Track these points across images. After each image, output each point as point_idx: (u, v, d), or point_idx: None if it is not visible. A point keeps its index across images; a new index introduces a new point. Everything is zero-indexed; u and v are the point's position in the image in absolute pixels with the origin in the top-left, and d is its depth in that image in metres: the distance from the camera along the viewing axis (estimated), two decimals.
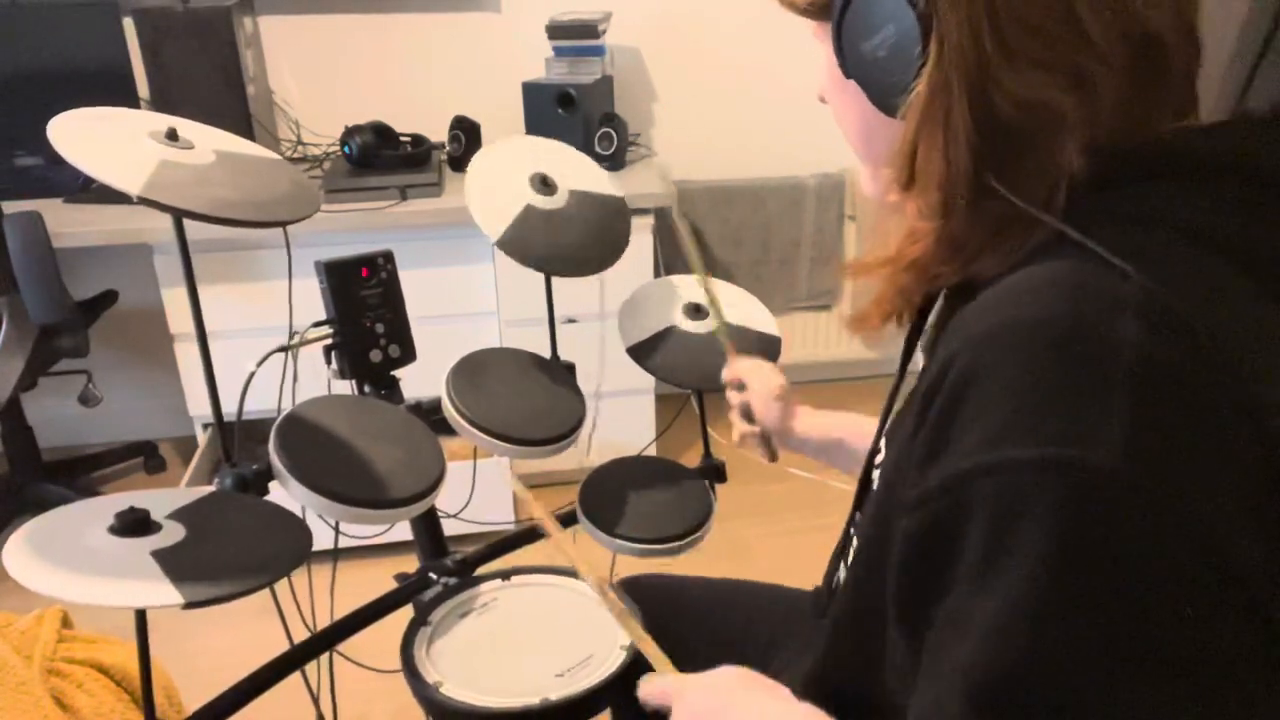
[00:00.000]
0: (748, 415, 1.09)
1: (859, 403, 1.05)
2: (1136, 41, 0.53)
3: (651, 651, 0.80)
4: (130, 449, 2.57)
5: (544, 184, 1.18)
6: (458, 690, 0.90)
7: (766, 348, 1.19)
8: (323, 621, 1.07)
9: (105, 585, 0.73)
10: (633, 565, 1.15)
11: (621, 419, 2.33)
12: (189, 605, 0.74)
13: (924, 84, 0.54)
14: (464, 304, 2.20)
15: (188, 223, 0.94)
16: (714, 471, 1.27)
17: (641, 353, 1.20)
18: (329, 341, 1.13)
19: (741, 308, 1.25)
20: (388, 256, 1.16)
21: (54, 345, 2.12)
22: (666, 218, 2.30)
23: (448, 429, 1.08)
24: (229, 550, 0.83)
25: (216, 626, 1.90)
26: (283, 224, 0.96)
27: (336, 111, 2.41)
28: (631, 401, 2.33)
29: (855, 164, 0.68)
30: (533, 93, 2.29)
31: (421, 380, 1.19)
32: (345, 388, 1.15)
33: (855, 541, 0.72)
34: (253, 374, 1.04)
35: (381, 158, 2.19)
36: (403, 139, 2.30)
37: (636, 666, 0.92)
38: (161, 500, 0.86)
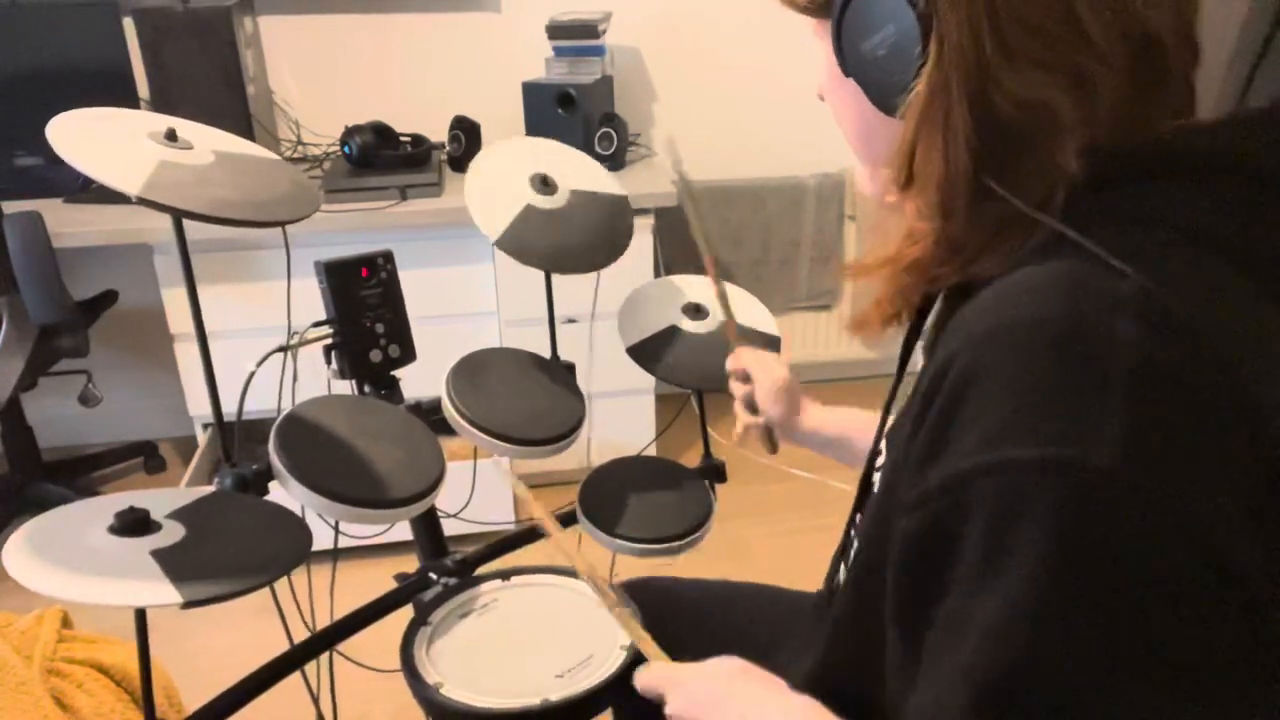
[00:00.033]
0: (751, 407, 1.08)
1: (859, 403, 1.04)
2: (1136, 42, 0.53)
3: (650, 650, 0.80)
4: (130, 449, 2.57)
5: (544, 184, 1.18)
6: (458, 691, 0.90)
7: (767, 347, 1.19)
8: (322, 621, 1.07)
9: (105, 585, 0.73)
10: (633, 565, 1.16)
11: (621, 419, 2.33)
12: (188, 604, 0.74)
13: (923, 84, 0.54)
14: (464, 304, 2.20)
15: (187, 223, 0.94)
16: (714, 471, 1.27)
17: (641, 353, 1.20)
18: (329, 341, 1.13)
19: (741, 308, 1.25)
20: (388, 256, 1.16)
21: (54, 345, 2.12)
22: (667, 217, 2.30)
23: (448, 429, 1.08)
24: (229, 550, 0.83)
25: (216, 626, 1.90)
26: (282, 224, 0.96)
27: (336, 111, 2.41)
28: (631, 401, 2.33)
29: (855, 164, 0.68)
30: (533, 93, 2.29)
31: (421, 380, 1.19)
32: (345, 388, 1.15)
33: (855, 543, 0.72)
34: (253, 374, 1.04)
35: (381, 158, 2.19)
36: (403, 139, 2.30)
37: (637, 667, 0.92)
38: (161, 500, 0.86)
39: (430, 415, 1.10)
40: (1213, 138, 0.56)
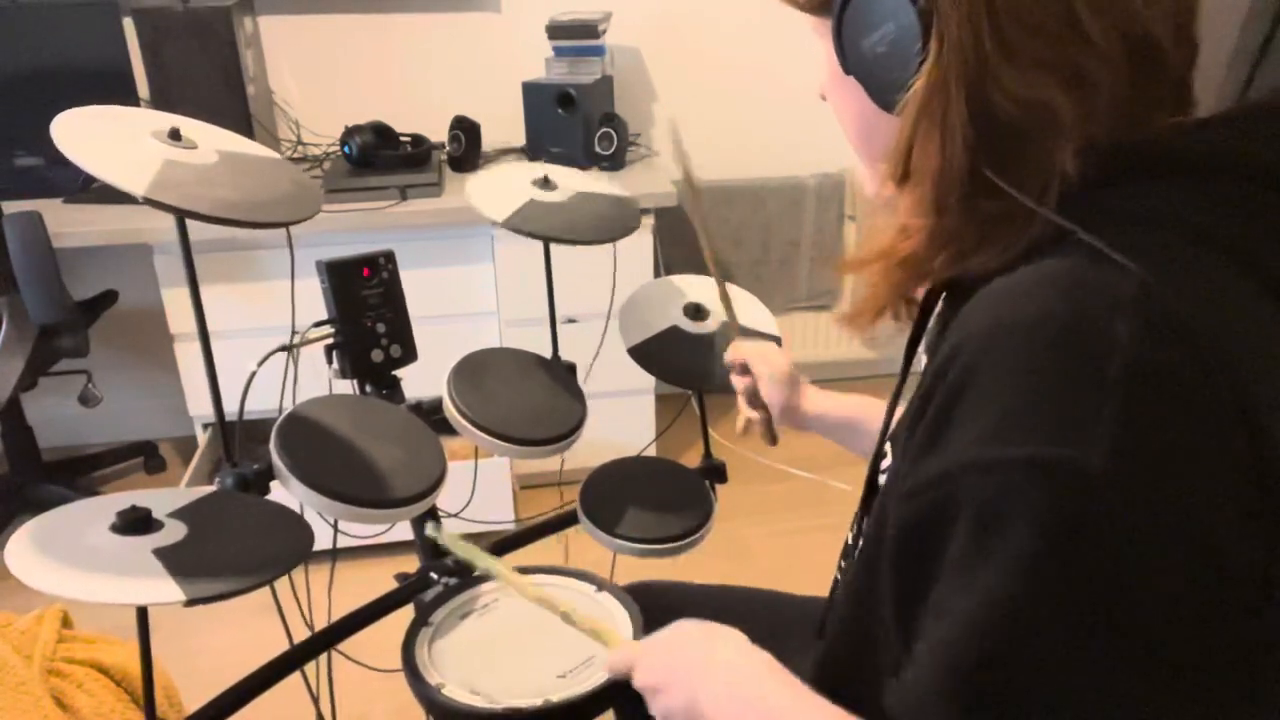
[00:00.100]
0: (753, 400, 1.08)
1: None
2: (1135, 42, 0.53)
3: (608, 638, 0.82)
4: (130, 449, 2.57)
5: (546, 183, 1.18)
6: (459, 691, 0.90)
7: None
8: (322, 621, 1.07)
9: (108, 583, 0.73)
10: (633, 565, 1.16)
11: (621, 419, 2.33)
12: (190, 602, 0.74)
13: (922, 80, 0.54)
14: (464, 304, 2.20)
15: (189, 222, 0.94)
16: (714, 471, 1.27)
17: (642, 353, 1.20)
18: (330, 341, 1.13)
19: (742, 308, 1.25)
20: (389, 256, 1.16)
21: (54, 345, 2.12)
22: (667, 217, 2.30)
23: (448, 429, 1.08)
24: (230, 549, 0.83)
25: (217, 626, 1.90)
26: (285, 224, 0.96)
27: (336, 111, 2.41)
28: (631, 401, 2.33)
29: (855, 164, 0.68)
30: (533, 93, 2.29)
31: (422, 380, 1.19)
32: (346, 387, 1.15)
33: (860, 543, 0.72)
34: (254, 374, 1.04)
35: (381, 158, 2.19)
36: (403, 139, 2.30)
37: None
38: (162, 499, 0.86)
39: (431, 415, 1.10)
40: (1212, 135, 0.56)
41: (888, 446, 0.70)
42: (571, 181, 1.22)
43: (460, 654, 0.96)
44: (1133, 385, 0.47)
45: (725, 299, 1.12)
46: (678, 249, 2.63)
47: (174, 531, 0.82)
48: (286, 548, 0.84)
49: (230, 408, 1.01)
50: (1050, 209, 0.54)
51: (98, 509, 0.83)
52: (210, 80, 2.12)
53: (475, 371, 1.14)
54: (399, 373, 1.17)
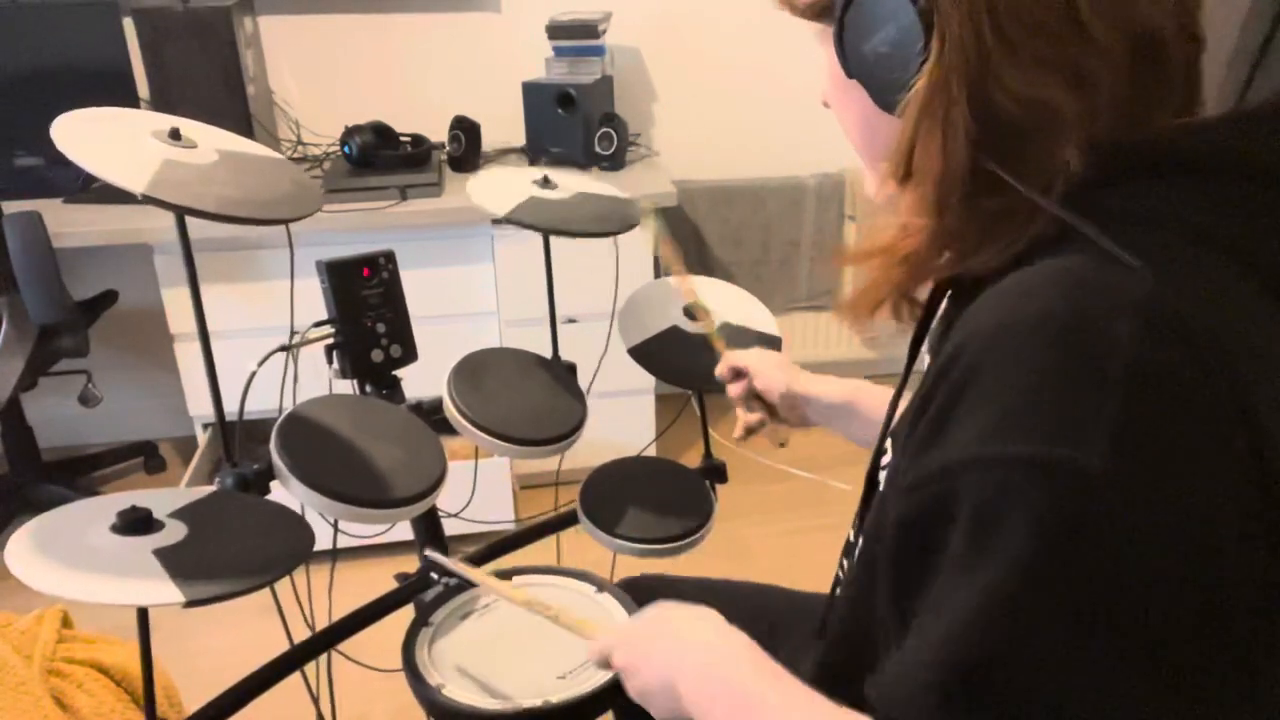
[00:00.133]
0: (751, 402, 1.08)
1: None
2: (1137, 38, 0.53)
3: (586, 631, 0.82)
4: (130, 449, 2.57)
5: (547, 182, 1.18)
6: (460, 692, 0.90)
7: (766, 347, 1.19)
8: (322, 621, 1.07)
9: (108, 583, 0.73)
10: (633, 565, 1.16)
11: (621, 419, 2.33)
12: (190, 603, 0.74)
13: (924, 80, 0.54)
14: (464, 304, 2.20)
15: (188, 222, 0.94)
16: (714, 471, 1.27)
17: (642, 353, 1.20)
18: (330, 341, 1.13)
19: (741, 308, 1.25)
20: (389, 256, 1.16)
21: (54, 345, 2.12)
22: (667, 218, 2.29)
23: (449, 429, 1.08)
24: (230, 549, 0.83)
25: (217, 626, 1.90)
26: (285, 221, 0.96)
27: (336, 111, 2.41)
28: (631, 401, 2.33)
29: (855, 164, 0.68)
30: (533, 93, 2.29)
31: (422, 380, 1.19)
32: (346, 387, 1.15)
33: (860, 541, 0.72)
34: (254, 374, 1.04)
35: (381, 158, 2.19)
36: (403, 139, 2.30)
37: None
38: (163, 499, 0.86)
39: (431, 415, 1.10)
40: (1215, 136, 0.56)
41: (888, 444, 0.70)
42: (571, 182, 1.22)
43: (460, 654, 0.96)
44: (1133, 385, 0.47)
45: (709, 325, 1.13)
46: (678, 250, 2.63)
47: (174, 532, 0.81)
48: (286, 548, 0.84)
49: (230, 408, 1.01)
50: (1055, 200, 0.54)
51: (98, 509, 0.82)
52: (210, 80, 2.12)
53: (475, 371, 1.14)
54: (399, 373, 1.17)
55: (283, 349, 1.09)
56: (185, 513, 0.85)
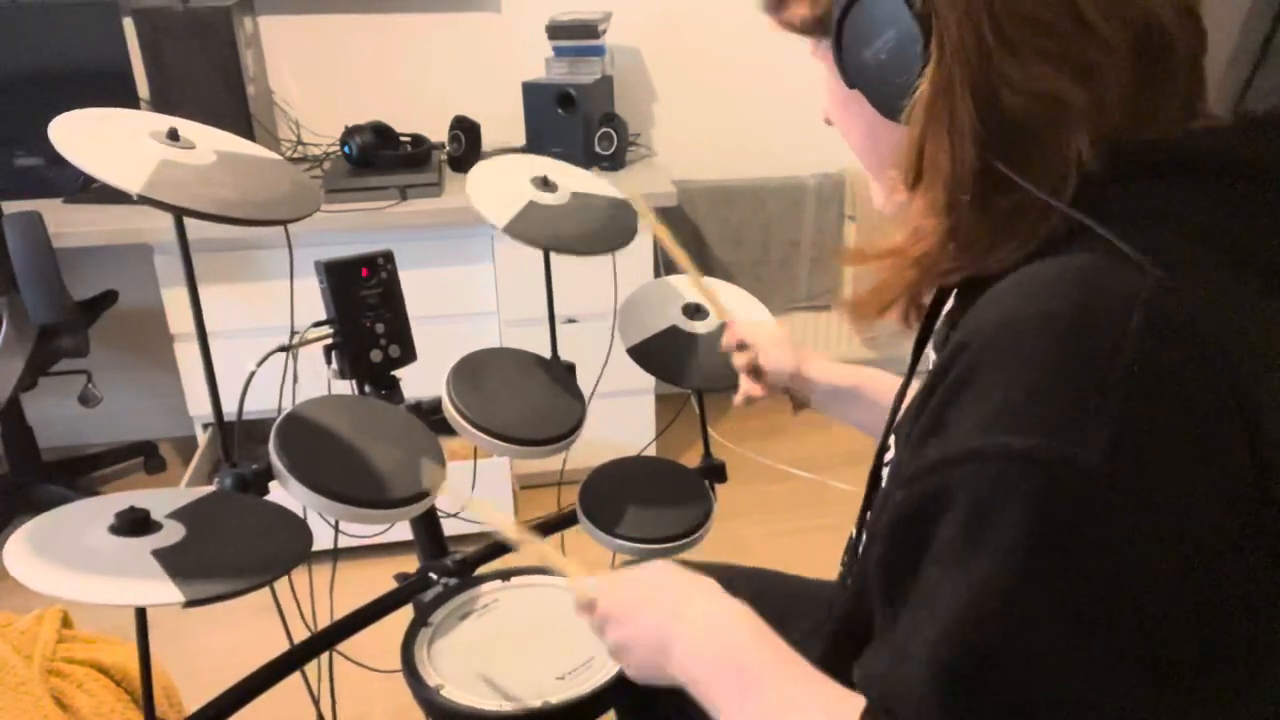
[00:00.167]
0: (755, 373, 1.07)
1: None
2: (1139, 28, 0.53)
3: (575, 570, 0.80)
4: (130, 449, 2.57)
5: (546, 184, 1.18)
6: (459, 692, 0.90)
7: None
8: (323, 621, 1.07)
9: (106, 584, 0.73)
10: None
11: (621, 419, 2.33)
12: (189, 604, 0.74)
13: (927, 83, 0.54)
14: (464, 304, 2.20)
15: (188, 222, 0.94)
16: (714, 471, 1.27)
17: (642, 353, 1.20)
18: (329, 341, 1.13)
19: (742, 308, 1.25)
20: (388, 256, 1.16)
21: (54, 345, 2.12)
22: (667, 218, 2.29)
23: (448, 429, 1.08)
24: (229, 549, 0.83)
25: (217, 626, 1.90)
26: (283, 222, 0.96)
27: (336, 111, 2.41)
28: (631, 401, 2.33)
29: (856, 164, 0.68)
30: (533, 93, 2.29)
31: (422, 380, 1.19)
32: (345, 388, 1.15)
33: (863, 539, 0.72)
34: (253, 374, 1.04)
35: (381, 158, 2.19)
36: (403, 139, 2.30)
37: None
38: (162, 500, 0.86)
39: (430, 415, 1.10)
40: (1223, 139, 0.56)
41: (891, 440, 0.70)
42: (570, 180, 1.22)
43: (460, 655, 0.96)
44: (1135, 383, 0.47)
45: (712, 300, 1.13)
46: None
47: (173, 532, 0.81)
48: (286, 548, 0.84)
49: (229, 408, 1.01)
50: (1067, 198, 0.54)
51: (97, 509, 0.82)
52: (210, 80, 2.12)
53: (475, 371, 1.14)
54: (398, 373, 1.17)
55: (282, 349, 1.09)
56: (184, 513, 0.85)
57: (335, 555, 1.28)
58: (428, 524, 1.17)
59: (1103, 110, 0.53)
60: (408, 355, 1.17)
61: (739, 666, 0.63)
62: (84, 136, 0.92)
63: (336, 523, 1.08)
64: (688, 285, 1.28)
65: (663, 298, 1.26)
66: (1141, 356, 0.48)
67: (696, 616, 0.68)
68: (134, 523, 0.80)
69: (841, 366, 1.04)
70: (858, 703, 0.55)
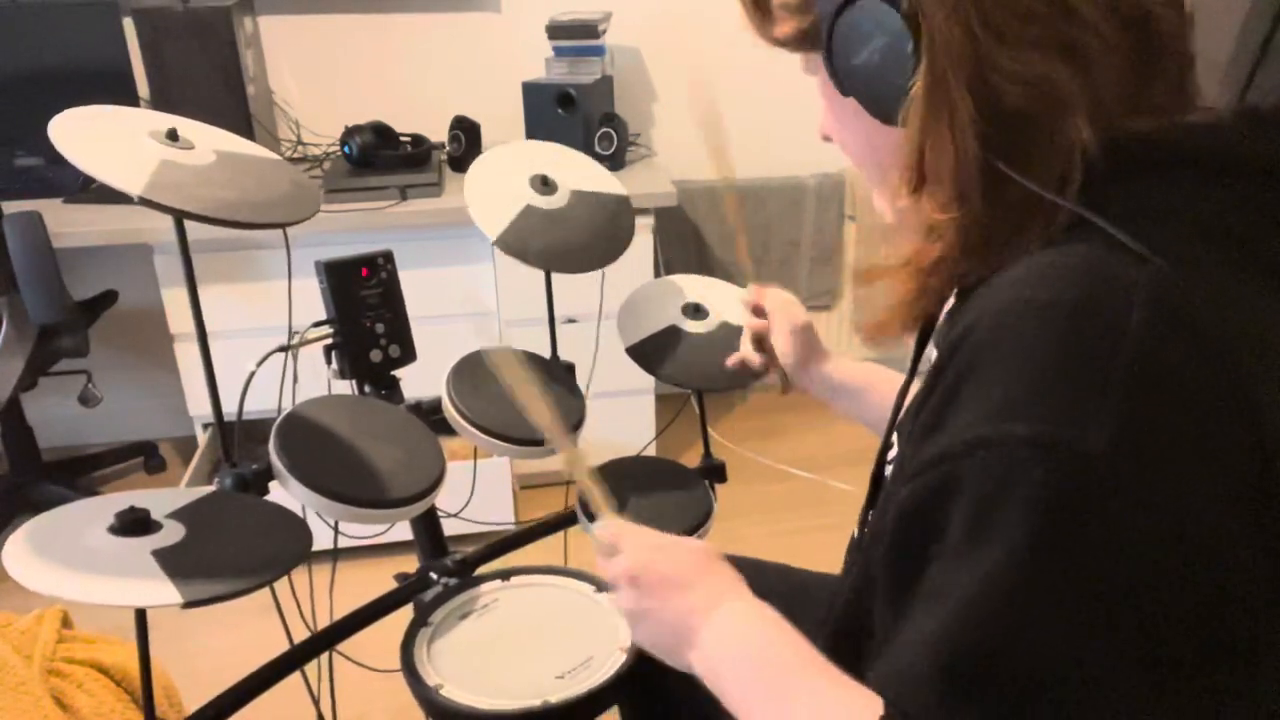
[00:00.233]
0: (759, 343, 1.06)
1: None
2: (1125, 12, 0.54)
3: (601, 501, 0.79)
4: (130, 449, 2.57)
5: (544, 184, 1.18)
6: (458, 692, 0.90)
7: None
8: (322, 621, 1.07)
9: (106, 584, 0.73)
10: None
11: (621, 419, 2.33)
12: (189, 604, 0.74)
13: (921, 82, 0.55)
14: (464, 304, 2.20)
15: (188, 222, 0.94)
16: (714, 471, 1.27)
17: (641, 353, 1.20)
18: (329, 341, 1.13)
19: (742, 308, 1.25)
20: (388, 256, 1.16)
21: (54, 345, 2.12)
22: (667, 217, 2.30)
23: (448, 429, 1.08)
24: (229, 549, 0.83)
25: (217, 626, 1.89)
26: (282, 225, 0.96)
27: (336, 111, 2.41)
28: (631, 401, 2.33)
29: (859, 177, 0.68)
30: (533, 93, 2.29)
31: (421, 380, 1.19)
32: (345, 388, 1.15)
33: (865, 538, 0.72)
34: (253, 374, 1.04)
35: (381, 158, 2.19)
36: (403, 139, 2.30)
37: (638, 668, 0.92)
38: (161, 500, 0.86)
39: (430, 415, 1.10)
40: (1224, 133, 0.56)
41: (894, 438, 0.70)
42: (570, 177, 1.21)
43: (459, 654, 0.96)
44: (1139, 373, 0.47)
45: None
46: (677, 249, 2.63)
47: (173, 532, 0.81)
48: (286, 548, 0.84)
49: (229, 408, 1.01)
50: (1074, 192, 0.54)
51: (96, 509, 0.82)
52: (210, 80, 2.12)
53: (475, 371, 1.14)
54: (398, 373, 1.17)
55: (282, 349, 1.09)
56: (184, 513, 0.85)
57: (335, 555, 1.28)
58: (428, 524, 1.17)
59: (1098, 95, 0.54)
60: (408, 355, 1.17)
61: (764, 669, 0.62)
62: (84, 136, 0.92)
63: (336, 523, 1.08)
64: (689, 285, 1.28)
65: (662, 297, 1.26)
66: (1144, 346, 0.48)
67: (725, 613, 0.66)
68: (134, 523, 0.80)
69: (848, 365, 1.03)
70: (878, 706, 0.54)
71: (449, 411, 1.08)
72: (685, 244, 2.64)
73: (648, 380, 2.27)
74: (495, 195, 1.15)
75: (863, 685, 0.56)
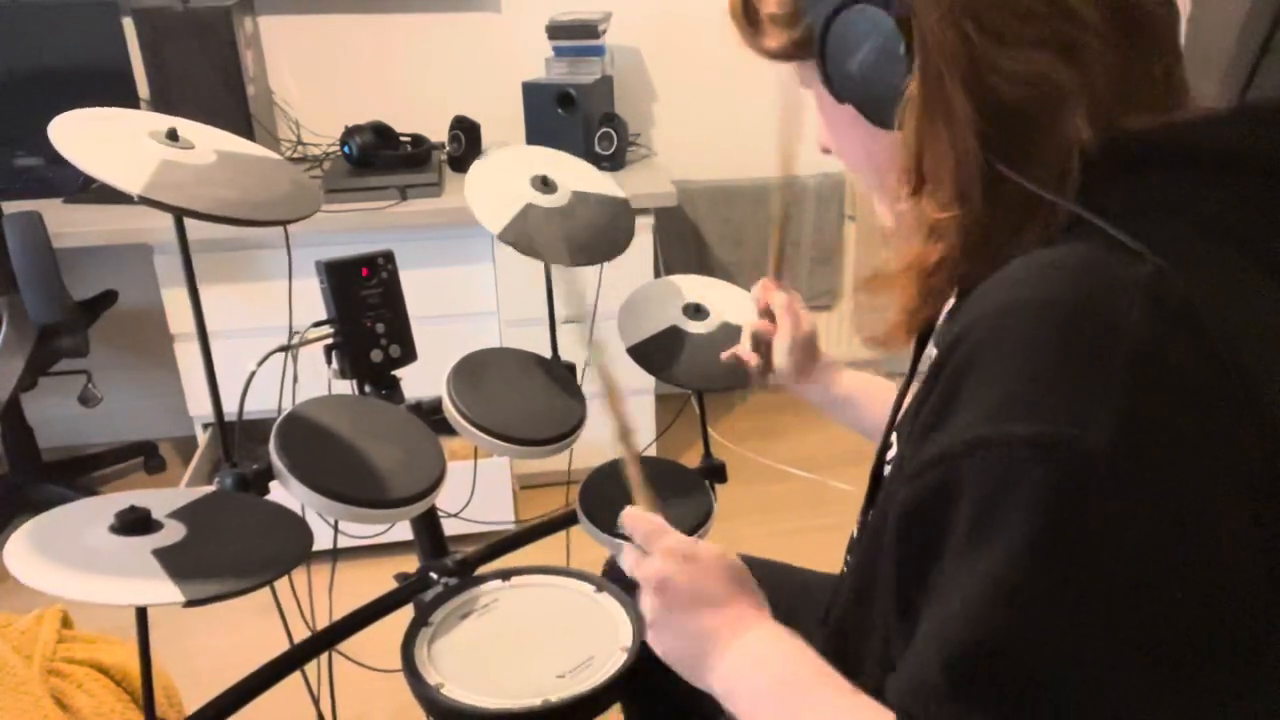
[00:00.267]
0: (758, 345, 1.06)
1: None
2: (1124, 11, 0.54)
3: (643, 494, 0.78)
4: (130, 449, 2.57)
5: (545, 184, 1.18)
6: (459, 691, 0.90)
7: None
8: (322, 621, 1.07)
9: (106, 583, 0.73)
10: None
11: None
12: (190, 603, 0.74)
13: (916, 83, 0.55)
14: (464, 304, 2.20)
15: (188, 222, 0.94)
16: (714, 471, 1.27)
17: (642, 353, 1.20)
18: (329, 341, 1.13)
19: (742, 308, 1.25)
20: (388, 256, 1.16)
21: (54, 345, 2.12)
22: (667, 218, 2.30)
23: (448, 429, 1.08)
24: (229, 549, 0.83)
25: (217, 626, 1.90)
26: (283, 223, 0.97)
27: (336, 111, 2.41)
28: (631, 401, 2.33)
29: (861, 184, 0.68)
30: (533, 93, 2.29)
31: (422, 380, 1.19)
32: (346, 387, 1.15)
33: (864, 537, 0.72)
34: (253, 374, 1.04)
35: (381, 158, 2.19)
36: (403, 139, 2.30)
37: (639, 668, 0.92)
38: (162, 500, 0.86)
39: (431, 415, 1.10)
40: (1223, 130, 0.56)
41: (893, 437, 0.70)
42: (570, 178, 1.21)
43: (460, 654, 0.96)
44: (1140, 369, 0.47)
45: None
46: (677, 249, 2.63)
47: (173, 532, 0.82)
48: (286, 548, 0.84)
49: (230, 408, 1.01)
50: (1073, 188, 0.54)
51: (97, 509, 0.83)
52: (210, 80, 2.12)
53: (475, 371, 1.14)
54: (398, 373, 1.17)
55: (282, 349, 1.09)
56: (184, 513, 0.85)
57: (335, 555, 1.28)
58: (428, 524, 1.17)
59: (1096, 93, 0.54)
60: (408, 355, 1.17)
61: (782, 691, 0.62)
62: (84, 137, 0.92)
63: (336, 523, 1.08)
64: (689, 285, 1.28)
65: (663, 298, 1.26)
66: (1143, 345, 0.48)
67: (751, 640, 0.65)
68: (134, 522, 0.80)
69: (848, 376, 1.03)
70: (891, 718, 0.54)
71: (449, 411, 1.08)
72: (685, 244, 2.64)
73: (648, 380, 2.27)
74: (496, 194, 1.15)
75: (878, 703, 0.55)
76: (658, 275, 2.21)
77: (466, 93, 2.49)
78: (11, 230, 1.90)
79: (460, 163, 2.31)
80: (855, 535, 0.79)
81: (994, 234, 0.57)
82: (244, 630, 1.52)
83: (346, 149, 2.18)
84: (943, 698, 0.50)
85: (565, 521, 1.21)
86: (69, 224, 1.98)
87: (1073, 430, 0.47)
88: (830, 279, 2.76)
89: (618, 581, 1.03)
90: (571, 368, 1.25)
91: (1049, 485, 0.47)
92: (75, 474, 2.47)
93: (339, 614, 1.05)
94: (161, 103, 2.11)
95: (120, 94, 2.20)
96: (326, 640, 1.03)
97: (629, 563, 0.70)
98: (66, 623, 1.27)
